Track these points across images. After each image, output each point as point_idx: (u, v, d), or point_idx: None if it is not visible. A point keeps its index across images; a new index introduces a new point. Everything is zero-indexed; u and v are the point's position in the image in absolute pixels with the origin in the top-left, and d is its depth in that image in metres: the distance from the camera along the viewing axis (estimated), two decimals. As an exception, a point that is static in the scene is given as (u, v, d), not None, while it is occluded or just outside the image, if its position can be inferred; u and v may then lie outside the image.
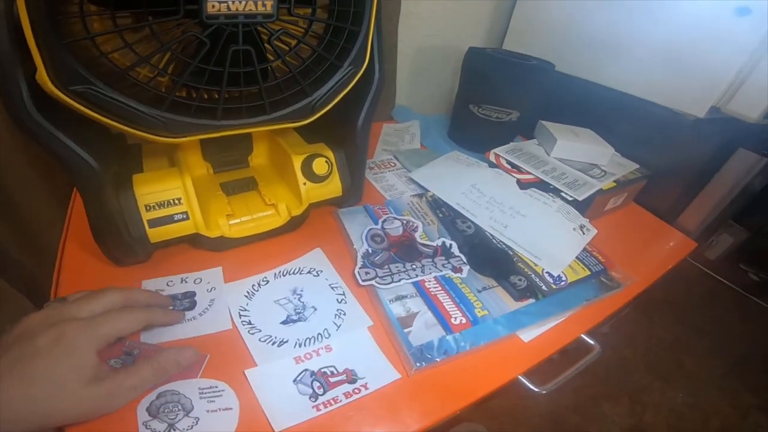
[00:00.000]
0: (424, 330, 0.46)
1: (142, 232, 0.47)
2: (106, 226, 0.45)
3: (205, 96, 0.42)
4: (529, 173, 0.69)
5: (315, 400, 0.39)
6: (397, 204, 0.65)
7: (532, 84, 0.77)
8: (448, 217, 0.63)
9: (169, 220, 0.48)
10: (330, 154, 0.58)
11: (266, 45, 0.41)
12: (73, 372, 0.33)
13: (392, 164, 0.79)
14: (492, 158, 0.73)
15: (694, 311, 1.79)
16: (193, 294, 0.49)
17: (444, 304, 0.49)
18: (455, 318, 0.47)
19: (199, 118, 0.41)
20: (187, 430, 0.36)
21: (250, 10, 0.37)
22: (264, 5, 0.38)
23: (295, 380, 0.41)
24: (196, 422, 0.37)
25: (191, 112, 0.40)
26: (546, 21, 0.87)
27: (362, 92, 0.53)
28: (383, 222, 0.60)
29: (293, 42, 0.43)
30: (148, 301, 0.44)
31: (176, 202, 0.49)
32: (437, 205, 0.66)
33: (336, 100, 0.49)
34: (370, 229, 0.58)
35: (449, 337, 0.46)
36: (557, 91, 0.80)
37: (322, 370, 0.42)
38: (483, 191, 0.66)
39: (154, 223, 0.48)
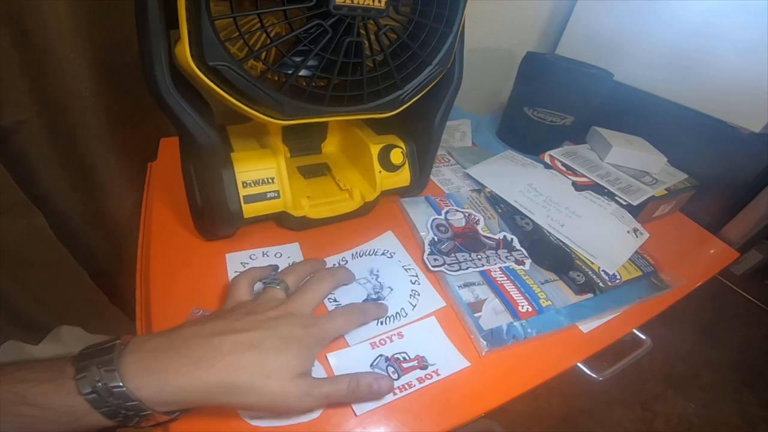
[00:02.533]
0: (492, 315, 0.49)
1: (238, 207, 0.51)
2: (209, 200, 0.49)
3: (313, 84, 0.46)
4: (584, 176, 0.72)
5: None
6: (457, 197, 0.68)
7: (589, 91, 0.79)
8: (507, 213, 0.66)
9: (262, 197, 0.52)
10: (403, 146, 0.61)
11: (373, 38, 0.45)
12: (291, 366, 0.35)
13: (447, 159, 0.82)
14: (547, 160, 0.76)
15: (715, 324, 1.79)
16: (277, 268, 0.52)
17: (511, 292, 0.52)
18: (522, 306, 0.50)
19: (309, 103, 0.44)
20: None
21: (368, 4, 0.41)
22: (379, 1, 0.41)
23: (371, 365, 0.43)
24: None
25: (304, 97, 0.44)
26: (602, 30, 0.89)
27: (441, 90, 0.56)
28: (446, 213, 0.63)
29: (394, 37, 0.47)
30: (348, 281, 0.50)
31: (270, 181, 0.52)
32: (496, 201, 0.69)
33: (421, 95, 0.52)
34: (434, 219, 0.61)
35: (517, 324, 0.49)
36: (610, 99, 0.82)
37: (396, 356, 0.44)
38: (539, 191, 0.69)
39: (249, 199, 0.51)
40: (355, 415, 0.39)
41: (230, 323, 0.36)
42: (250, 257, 0.53)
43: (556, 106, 0.80)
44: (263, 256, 0.54)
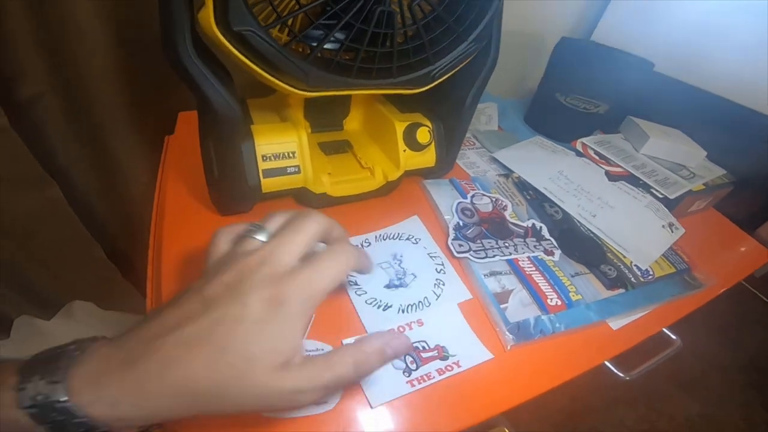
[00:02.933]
0: (520, 307, 0.47)
1: (256, 182, 0.48)
2: (228, 173, 0.47)
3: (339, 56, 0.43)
4: (619, 166, 0.69)
5: (408, 375, 0.39)
6: (483, 181, 0.65)
7: (628, 80, 0.75)
8: (536, 200, 0.63)
9: (282, 171, 0.50)
10: (429, 125, 0.58)
11: (406, 9, 0.42)
12: (269, 354, 0.26)
13: (472, 143, 0.79)
14: (579, 147, 0.73)
15: (729, 326, 1.75)
16: None
17: (539, 284, 0.49)
18: (551, 299, 0.48)
19: (336, 74, 0.42)
20: None
21: (403, -29, 0.38)
22: (416, -32, 0.38)
23: None
24: None
25: (330, 67, 0.41)
26: (643, 17, 0.84)
27: (475, 69, 0.53)
28: (472, 197, 0.60)
29: (428, 9, 0.43)
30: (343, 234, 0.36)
31: (291, 155, 0.50)
32: (524, 187, 0.66)
33: (453, 72, 0.49)
34: (459, 203, 0.58)
35: (545, 317, 0.46)
36: (648, 89, 0.78)
37: (414, 345, 0.42)
38: (570, 179, 0.66)
39: (269, 173, 0.49)
40: (370, 406, 0.37)
41: (189, 307, 0.27)
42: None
43: (590, 93, 0.77)
44: None
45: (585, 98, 0.77)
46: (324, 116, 0.62)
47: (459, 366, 0.41)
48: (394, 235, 0.54)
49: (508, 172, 0.69)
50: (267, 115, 0.57)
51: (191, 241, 0.49)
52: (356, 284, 0.47)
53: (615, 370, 0.50)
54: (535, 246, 0.54)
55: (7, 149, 0.56)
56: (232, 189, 0.48)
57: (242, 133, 0.46)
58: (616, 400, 1.40)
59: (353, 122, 0.65)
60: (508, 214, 0.59)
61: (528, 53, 0.99)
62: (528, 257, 0.53)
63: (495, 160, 0.73)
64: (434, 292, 0.48)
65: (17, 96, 0.57)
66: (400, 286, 0.48)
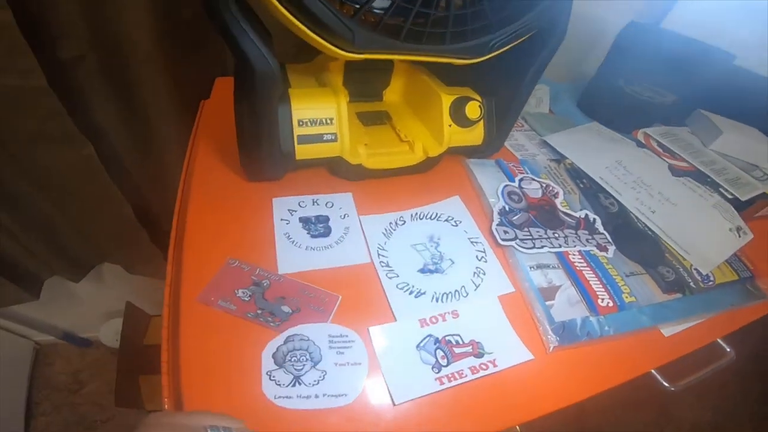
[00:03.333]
0: (567, 306, 0.43)
1: (290, 147, 0.46)
2: (260, 135, 0.44)
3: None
4: (685, 161, 0.63)
5: (438, 372, 0.36)
6: (532, 165, 0.60)
7: (703, 71, 0.68)
8: (590, 189, 0.58)
9: (318, 138, 0.47)
10: (479, 99, 0.53)
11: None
12: None
13: (520, 124, 0.74)
14: (641, 137, 0.68)
15: (758, 336, 1.66)
16: (327, 219, 0.47)
17: (590, 282, 0.45)
18: (602, 299, 0.44)
19: (384, 36, 0.38)
20: (312, 385, 0.34)
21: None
22: None
23: (418, 346, 0.38)
24: (323, 377, 0.35)
25: (378, 28, 0.37)
26: (723, 5, 0.76)
27: (539, 43, 0.48)
28: (520, 181, 0.56)
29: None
30: None
31: (328, 122, 0.47)
32: (577, 175, 0.61)
33: (513, 44, 0.44)
34: (506, 186, 0.54)
35: (593, 319, 0.42)
36: (724, 83, 0.71)
37: (447, 338, 0.39)
38: (629, 170, 0.61)
39: (304, 139, 0.46)
40: (393, 403, 0.34)
41: None
42: (299, 204, 0.49)
43: (657, 82, 0.71)
44: (313, 204, 0.49)
45: (651, 87, 0.71)
46: (364, 85, 0.58)
47: (495, 365, 0.38)
48: (432, 215, 0.50)
49: (560, 158, 0.64)
50: (306, 80, 0.54)
51: (219, 206, 0.47)
52: (388, 266, 0.43)
53: (660, 380, 0.46)
54: (587, 239, 0.50)
55: (45, 108, 0.56)
56: (264, 154, 0.45)
57: (279, 95, 0.43)
58: (627, 403, 1.33)
59: (393, 93, 0.61)
60: (559, 202, 0.54)
61: (588, 36, 0.92)
62: (579, 251, 0.48)
63: (545, 144, 0.67)
64: (473, 282, 0.44)
65: (58, 56, 0.57)
66: (436, 271, 0.44)
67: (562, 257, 0.47)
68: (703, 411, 1.38)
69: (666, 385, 0.46)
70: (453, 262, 0.45)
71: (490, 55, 0.44)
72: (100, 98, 0.65)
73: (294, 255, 0.43)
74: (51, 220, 0.75)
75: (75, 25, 0.55)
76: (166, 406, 0.34)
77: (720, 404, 1.41)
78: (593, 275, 0.46)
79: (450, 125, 0.52)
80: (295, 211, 0.47)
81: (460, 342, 0.39)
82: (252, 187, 0.49)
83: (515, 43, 0.44)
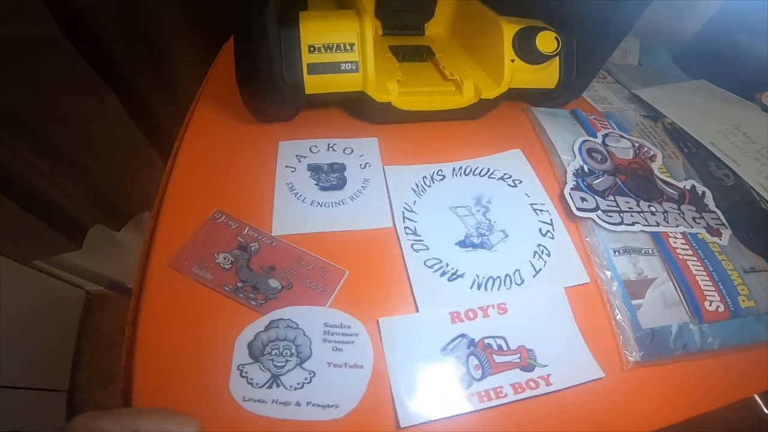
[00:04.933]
0: (660, 307, 0.31)
1: (298, 78, 0.36)
2: (257, 63, 0.35)
3: None
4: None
5: (468, 387, 0.26)
6: (620, 120, 0.47)
7: None
8: (698, 155, 0.45)
9: (334, 68, 0.37)
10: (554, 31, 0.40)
11: None
12: None
13: (601, 75, 0.61)
14: (767, 101, 0.53)
15: None
16: (343, 168, 0.38)
17: (697, 277, 0.32)
18: (711, 302, 0.31)
19: None
20: (295, 389, 0.26)
21: None
22: None
23: (445, 348, 0.28)
24: (310, 379, 0.26)
25: None
26: None
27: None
28: (605, 137, 0.43)
29: None
30: None
31: (348, 47, 0.37)
32: (680, 137, 0.47)
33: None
34: (585, 141, 0.42)
35: (694, 327, 0.31)
36: None
37: (486, 341, 0.29)
38: (751, 137, 0.48)
39: (315, 68, 0.36)
40: (397, 426, 0.25)
41: None
42: (311, 149, 0.40)
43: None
44: (328, 149, 0.40)
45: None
46: (401, 15, 0.48)
47: (549, 383, 0.27)
48: (482, 171, 0.39)
49: (656, 115, 0.51)
50: (328, 6, 0.45)
51: (215, 148, 0.40)
52: (415, 234, 0.33)
53: (763, 406, 0.37)
54: (694, 218, 0.36)
55: (62, 57, 0.54)
56: (261, 87, 0.36)
57: (285, 15, 0.34)
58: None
59: (438, 26, 0.51)
60: (656, 166, 0.41)
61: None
62: (683, 233, 0.35)
63: (637, 99, 0.55)
64: (532, 265, 0.33)
65: (71, 4, 0.54)
66: (481, 246, 0.33)
67: (660, 240, 0.34)
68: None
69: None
70: (506, 236, 0.34)
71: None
72: (119, 45, 0.62)
73: (295, 211, 0.34)
74: (87, 168, 0.73)
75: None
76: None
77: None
78: (701, 268, 0.33)
79: (513, 60, 0.40)
80: (305, 158, 0.38)
81: (504, 348, 0.28)
82: (257, 129, 0.41)
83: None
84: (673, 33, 0.80)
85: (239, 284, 0.30)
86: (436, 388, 0.26)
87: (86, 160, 0.72)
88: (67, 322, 1.14)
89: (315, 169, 0.37)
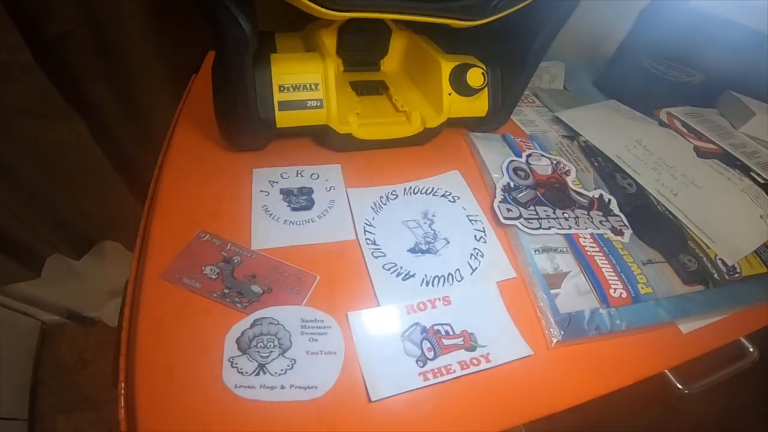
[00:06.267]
0: (574, 296, 0.38)
1: (270, 114, 0.42)
2: (235, 101, 0.40)
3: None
4: (712, 142, 0.58)
5: (423, 366, 0.32)
6: (542, 141, 0.55)
7: (737, 52, 0.62)
8: (606, 168, 0.53)
9: (301, 105, 0.42)
10: (483, 67, 0.48)
11: None
12: None
13: (531, 100, 0.69)
14: (663, 117, 0.62)
15: None
16: (311, 191, 0.44)
17: (603, 269, 0.40)
18: (615, 289, 0.39)
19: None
20: (279, 374, 0.30)
21: None
22: None
23: (403, 335, 0.34)
24: (291, 366, 0.31)
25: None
26: None
27: (550, 9, 0.43)
28: (528, 156, 0.51)
29: None
30: None
31: (313, 87, 0.42)
32: (593, 153, 0.56)
33: (522, 5, 0.39)
34: (512, 161, 0.49)
35: (603, 311, 0.38)
36: (758, 63, 0.65)
37: (436, 328, 0.35)
38: (650, 149, 0.55)
39: (285, 105, 0.42)
40: (369, 400, 0.30)
41: None
42: (282, 176, 0.45)
43: (684, 62, 0.65)
44: (297, 175, 0.45)
45: (677, 66, 0.66)
46: (359, 54, 0.54)
47: (488, 360, 0.33)
48: (427, 189, 0.46)
49: (573, 135, 0.59)
50: (294, 47, 0.50)
51: (195, 175, 0.44)
52: (375, 244, 0.39)
53: (674, 381, 0.41)
54: (601, 222, 0.45)
55: (33, 85, 0.55)
56: (241, 120, 0.41)
57: (253, 57, 0.39)
58: (636, 398, 1.27)
59: (392, 63, 0.57)
60: (570, 180, 0.49)
61: (608, 17, 0.86)
62: (591, 234, 0.43)
63: (558, 121, 0.62)
64: (469, 265, 0.40)
65: (46, 32, 0.55)
66: (428, 252, 0.40)
67: (572, 240, 0.42)
68: (711, 409, 1.33)
69: (680, 387, 0.41)
70: (448, 242, 0.41)
71: (491, 18, 0.39)
72: (90, 74, 0.63)
73: (270, 229, 0.39)
74: (49, 196, 0.73)
75: (62, 1, 0.53)
76: (122, 390, 0.31)
77: (729, 404, 1.35)
78: (606, 262, 0.41)
79: (450, 93, 0.48)
80: (276, 183, 0.44)
81: (451, 332, 0.34)
82: (233, 157, 0.46)
83: (524, 4, 0.39)
84: (594, 57, 0.89)
85: (225, 291, 0.34)
86: (398, 367, 0.32)
87: (49, 189, 0.72)
88: (22, 353, 1.11)
89: (286, 193, 0.43)
